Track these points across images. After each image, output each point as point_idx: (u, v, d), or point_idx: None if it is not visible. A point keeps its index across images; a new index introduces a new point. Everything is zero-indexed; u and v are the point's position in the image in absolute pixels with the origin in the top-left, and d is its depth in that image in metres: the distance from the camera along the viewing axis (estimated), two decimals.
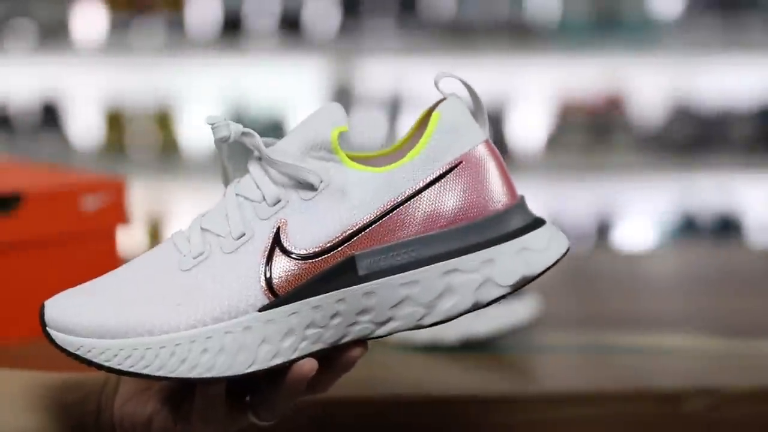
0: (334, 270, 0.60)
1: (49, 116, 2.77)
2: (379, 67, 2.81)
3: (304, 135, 0.61)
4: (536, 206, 0.65)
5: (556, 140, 2.73)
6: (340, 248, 0.60)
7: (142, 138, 2.76)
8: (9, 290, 0.97)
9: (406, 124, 2.71)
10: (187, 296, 0.59)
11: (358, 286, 0.60)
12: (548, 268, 0.61)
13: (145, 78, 2.83)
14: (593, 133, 2.72)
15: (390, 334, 0.61)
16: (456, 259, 0.60)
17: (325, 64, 2.79)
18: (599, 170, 2.73)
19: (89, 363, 0.59)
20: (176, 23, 2.70)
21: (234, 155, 0.64)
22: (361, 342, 0.62)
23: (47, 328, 0.60)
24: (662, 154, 2.70)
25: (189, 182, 2.81)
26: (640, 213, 2.87)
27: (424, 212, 0.61)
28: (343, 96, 2.75)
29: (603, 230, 2.81)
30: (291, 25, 2.69)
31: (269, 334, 0.59)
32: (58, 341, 0.60)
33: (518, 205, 0.62)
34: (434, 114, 0.62)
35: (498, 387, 0.87)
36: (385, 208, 0.60)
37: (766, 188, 2.83)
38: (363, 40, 2.68)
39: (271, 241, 0.60)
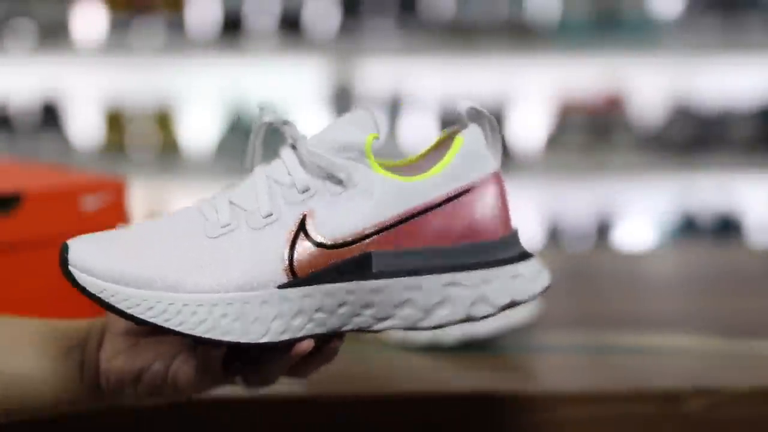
0: (350, 262, 0.64)
1: (49, 116, 2.77)
2: (379, 67, 2.81)
3: (339, 134, 0.65)
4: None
5: (556, 140, 2.73)
6: (358, 243, 0.64)
7: (142, 138, 2.76)
8: (9, 290, 0.97)
9: (406, 123, 2.71)
10: (213, 261, 0.62)
11: (369, 281, 0.64)
12: (532, 298, 0.66)
13: (145, 78, 2.83)
14: (593, 133, 2.72)
15: (386, 330, 0.65)
16: (459, 273, 0.64)
17: (325, 64, 2.79)
18: (599, 170, 2.73)
19: (111, 308, 0.61)
20: (176, 23, 2.70)
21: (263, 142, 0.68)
22: (340, 335, 0.65)
23: (69, 266, 0.61)
24: (662, 154, 2.70)
25: (189, 182, 2.81)
26: (640, 213, 2.87)
27: (438, 225, 0.65)
28: (343, 96, 2.75)
29: (603, 230, 2.81)
30: (291, 25, 2.69)
31: (283, 310, 0.63)
32: (80, 281, 0.61)
33: (514, 234, 0.67)
34: (458, 138, 0.66)
35: (498, 387, 0.87)
36: (404, 215, 0.64)
37: (766, 188, 2.83)
38: (363, 40, 2.68)
39: (297, 226, 0.64)
